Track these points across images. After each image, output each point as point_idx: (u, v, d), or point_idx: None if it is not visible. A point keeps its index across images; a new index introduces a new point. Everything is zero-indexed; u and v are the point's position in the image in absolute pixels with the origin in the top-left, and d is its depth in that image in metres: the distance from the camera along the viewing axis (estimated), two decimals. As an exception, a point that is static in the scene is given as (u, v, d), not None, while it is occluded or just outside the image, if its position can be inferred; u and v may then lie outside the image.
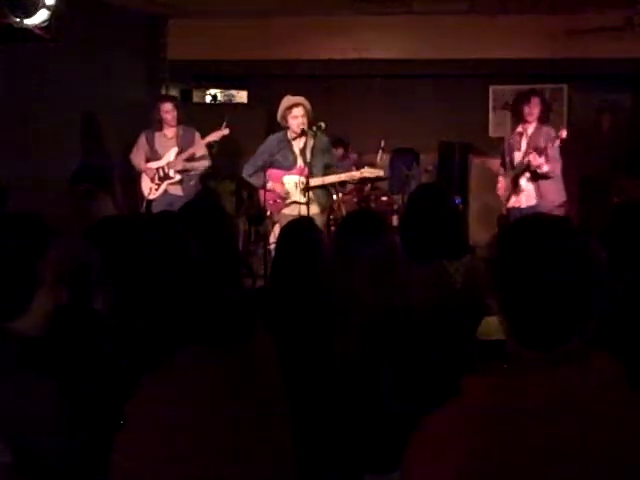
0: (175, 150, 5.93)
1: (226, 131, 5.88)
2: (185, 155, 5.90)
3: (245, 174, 5.44)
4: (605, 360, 1.19)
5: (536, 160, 5.22)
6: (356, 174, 5.38)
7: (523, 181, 5.40)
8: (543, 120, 5.44)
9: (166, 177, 5.93)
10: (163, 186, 5.94)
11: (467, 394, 1.19)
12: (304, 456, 1.62)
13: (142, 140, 6.01)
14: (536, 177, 5.35)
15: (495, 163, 6.24)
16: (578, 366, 1.16)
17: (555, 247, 1.18)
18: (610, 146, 8.05)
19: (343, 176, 5.35)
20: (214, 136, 5.88)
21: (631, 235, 2.45)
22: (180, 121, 6.00)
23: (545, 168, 5.25)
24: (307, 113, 5.18)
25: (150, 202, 5.89)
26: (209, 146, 5.93)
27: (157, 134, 5.99)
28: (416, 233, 2.58)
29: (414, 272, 2.46)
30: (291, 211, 5.22)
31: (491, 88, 8.46)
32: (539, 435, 1.13)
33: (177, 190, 5.96)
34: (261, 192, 5.42)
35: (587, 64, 7.63)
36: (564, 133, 5.19)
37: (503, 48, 7.69)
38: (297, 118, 5.15)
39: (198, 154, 5.98)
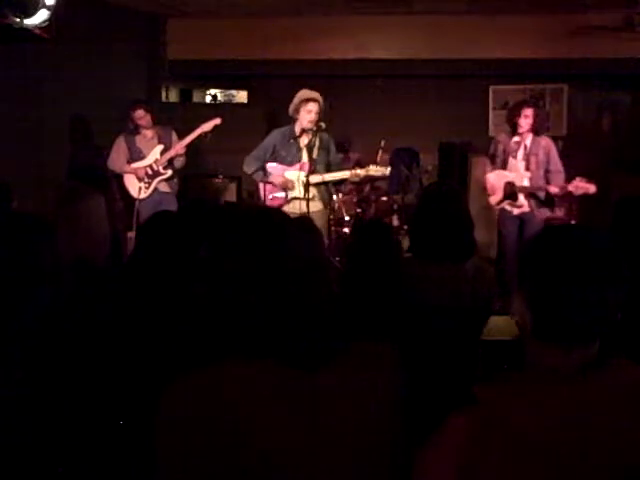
0: (160, 147, 5.92)
1: (218, 120, 5.85)
2: (171, 153, 5.89)
3: (246, 167, 5.36)
4: (624, 369, 1.19)
5: (555, 192, 5.26)
6: (361, 172, 5.26)
7: (522, 196, 5.44)
8: (538, 132, 5.42)
9: (156, 174, 5.93)
10: (154, 183, 5.91)
11: (484, 407, 1.20)
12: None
13: (121, 144, 5.96)
14: (535, 195, 5.40)
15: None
16: (597, 380, 1.18)
17: (590, 251, 1.22)
18: (610, 146, 8.05)
19: (347, 173, 5.24)
20: (207, 126, 5.86)
21: (635, 228, 2.46)
22: (154, 122, 5.99)
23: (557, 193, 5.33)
24: (320, 111, 5.15)
25: (140, 201, 5.87)
26: (204, 136, 5.91)
27: (137, 137, 5.96)
28: (425, 235, 2.56)
29: (421, 273, 2.45)
30: (292, 208, 5.17)
31: (491, 88, 8.46)
32: (554, 455, 1.14)
33: (165, 187, 5.97)
34: (261, 187, 5.38)
35: (587, 64, 7.63)
36: (592, 188, 5.08)
37: (503, 48, 7.69)
38: (310, 113, 5.09)
39: (180, 151, 5.96)
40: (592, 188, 5.08)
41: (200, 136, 5.86)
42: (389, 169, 5.33)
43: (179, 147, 5.88)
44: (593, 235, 1.25)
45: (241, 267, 1.26)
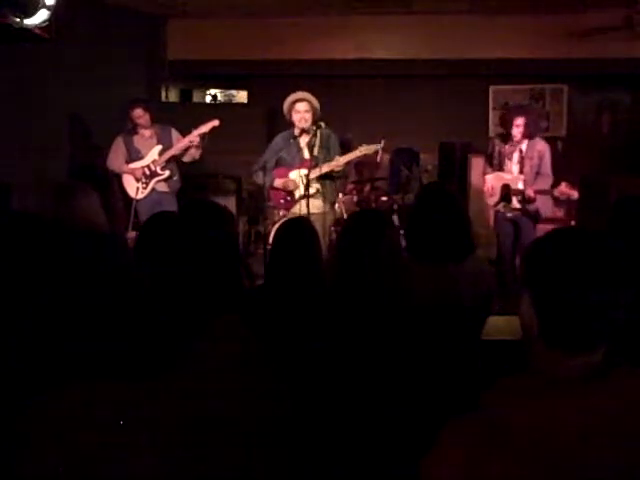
0: (158, 148, 5.89)
1: (216, 122, 5.83)
2: (171, 153, 5.87)
3: (254, 175, 5.40)
4: (628, 376, 1.19)
5: (529, 195, 5.29)
6: (353, 154, 5.22)
7: (515, 199, 5.46)
8: (533, 136, 5.44)
9: (154, 175, 5.90)
10: (151, 184, 5.89)
11: (485, 413, 1.20)
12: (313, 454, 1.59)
13: (120, 144, 5.93)
14: (527, 200, 5.42)
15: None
16: (599, 387, 1.18)
17: (601, 254, 1.21)
18: (610, 146, 8.06)
19: (341, 159, 5.18)
20: (204, 128, 5.84)
21: (634, 227, 2.47)
22: (153, 121, 5.95)
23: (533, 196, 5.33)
24: (312, 109, 5.15)
25: (137, 202, 5.86)
26: (201, 138, 5.90)
27: (135, 137, 5.93)
28: (423, 235, 2.55)
29: (419, 273, 2.45)
30: (299, 209, 5.18)
31: (491, 88, 8.46)
32: (555, 461, 1.14)
33: (164, 187, 5.95)
34: (270, 192, 5.38)
35: (587, 64, 7.63)
36: (575, 194, 5.12)
37: (503, 48, 7.69)
38: (299, 113, 5.14)
39: (195, 142, 5.89)
40: (575, 194, 5.13)
41: (203, 135, 5.85)
42: (380, 146, 5.29)
43: (177, 148, 5.86)
44: (600, 238, 1.24)
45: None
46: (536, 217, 5.46)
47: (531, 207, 5.38)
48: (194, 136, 5.81)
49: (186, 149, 5.90)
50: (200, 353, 1.38)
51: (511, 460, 1.14)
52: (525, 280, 1.26)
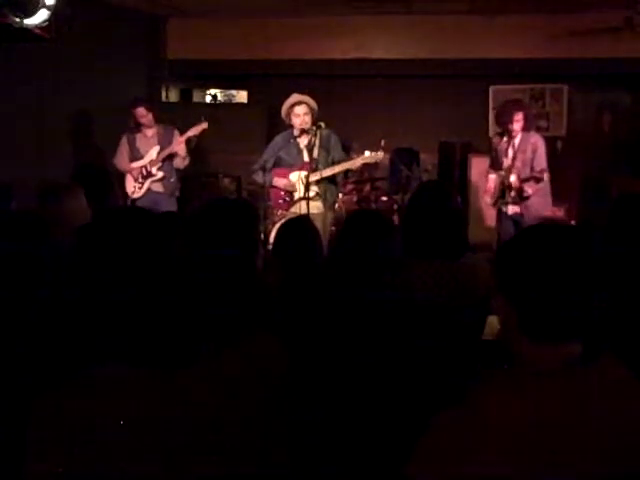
0: (157, 149, 5.92)
1: (205, 125, 5.86)
2: (165, 153, 5.89)
3: (254, 175, 5.40)
4: (609, 367, 1.20)
5: (517, 184, 5.31)
6: (357, 161, 5.24)
7: (510, 194, 5.47)
8: (528, 129, 5.45)
9: (149, 175, 5.92)
10: (146, 184, 5.92)
11: (473, 408, 1.21)
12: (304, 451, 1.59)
13: (124, 142, 5.98)
14: (521, 196, 5.43)
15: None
16: (583, 375, 1.19)
17: (565, 248, 1.25)
18: (610, 146, 8.06)
19: (346, 164, 5.21)
20: (193, 131, 5.86)
21: (634, 224, 2.48)
22: (157, 120, 5.98)
23: (529, 191, 5.33)
24: (311, 111, 5.15)
25: (134, 201, 5.89)
26: (188, 141, 5.92)
27: (138, 135, 5.97)
28: (418, 232, 2.56)
29: (415, 271, 2.45)
30: (298, 209, 5.19)
31: (491, 88, 8.46)
32: (545, 454, 1.14)
33: (159, 187, 5.97)
34: (269, 191, 5.39)
35: (587, 64, 7.63)
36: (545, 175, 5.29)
37: (503, 48, 7.69)
38: (299, 116, 5.14)
39: (181, 153, 5.94)
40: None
41: (189, 139, 5.88)
42: (382, 154, 5.28)
43: (168, 151, 5.89)
44: (569, 234, 1.28)
45: (109, 270, 1.29)
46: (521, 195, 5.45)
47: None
48: (179, 142, 5.84)
49: (174, 154, 5.94)
50: (205, 355, 1.37)
51: (495, 454, 1.15)
52: (497, 278, 1.28)
